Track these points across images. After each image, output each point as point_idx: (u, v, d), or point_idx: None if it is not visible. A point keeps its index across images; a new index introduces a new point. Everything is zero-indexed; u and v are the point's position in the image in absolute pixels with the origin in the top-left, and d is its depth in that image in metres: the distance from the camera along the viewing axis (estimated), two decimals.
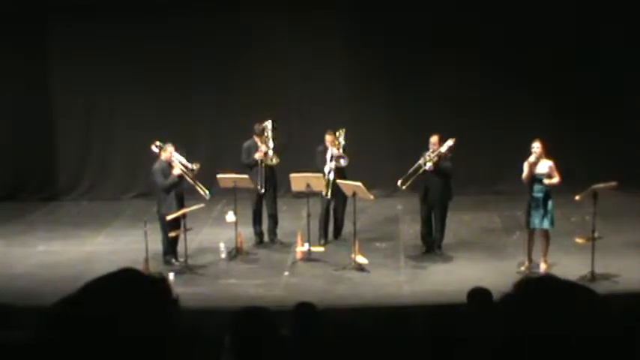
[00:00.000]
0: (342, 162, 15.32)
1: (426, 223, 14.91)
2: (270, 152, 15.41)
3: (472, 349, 5.58)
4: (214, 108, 19.63)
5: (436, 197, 14.64)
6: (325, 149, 15.45)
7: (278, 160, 15.43)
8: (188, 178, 14.66)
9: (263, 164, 15.35)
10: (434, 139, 14.57)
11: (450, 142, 14.50)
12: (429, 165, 14.36)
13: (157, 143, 14.67)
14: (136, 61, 19.51)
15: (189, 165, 14.58)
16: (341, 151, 15.37)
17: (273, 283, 13.83)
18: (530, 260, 13.79)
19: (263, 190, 15.41)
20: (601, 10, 18.67)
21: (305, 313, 7.27)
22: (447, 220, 15.03)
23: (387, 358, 7.27)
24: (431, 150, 14.51)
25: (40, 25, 19.62)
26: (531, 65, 18.81)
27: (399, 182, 14.65)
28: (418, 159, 14.59)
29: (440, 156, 14.43)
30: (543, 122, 17.67)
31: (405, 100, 19.18)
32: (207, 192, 15.02)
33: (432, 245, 14.95)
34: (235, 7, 19.16)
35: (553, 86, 18.88)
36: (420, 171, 14.46)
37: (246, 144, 15.61)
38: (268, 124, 15.61)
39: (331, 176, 15.22)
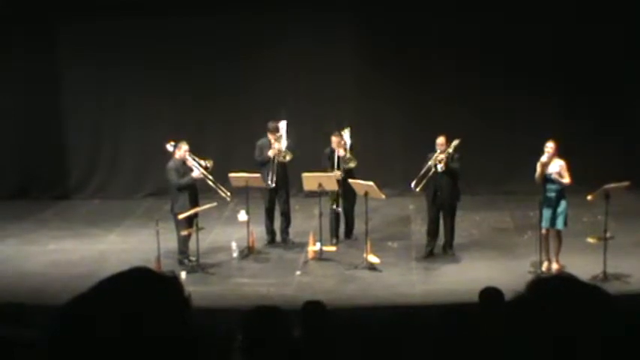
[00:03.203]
0: (352, 165, 15.30)
1: (434, 224, 14.85)
2: (283, 149, 15.41)
3: (484, 349, 5.57)
4: (225, 107, 19.62)
5: (445, 198, 14.59)
6: (332, 151, 15.42)
7: (291, 156, 15.40)
8: (209, 181, 14.68)
9: (275, 161, 15.34)
10: (440, 139, 14.52)
11: (456, 142, 14.47)
12: (440, 166, 14.31)
13: (172, 142, 14.69)
14: (145, 60, 19.53)
15: (203, 163, 14.59)
16: (348, 151, 15.33)
17: (285, 282, 13.84)
18: (548, 260, 13.75)
19: (273, 185, 15.39)
20: (602, 10, 18.59)
21: (312, 311, 7.28)
22: (458, 220, 15.03)
23: (397, 358, 7.27)
24: (439, 151, 14.48)
25: (49, 25, 19.66)
26: (542, 65, 18.78)
27: (413, 185, 14.59)
28: (425, 160, 14.55)
29: (448, 156, 14.38)
30: (555, 122, 17.65)
31: (415, 99, 19.13)
32: (228, 194, 15.00)
33: (435, 247, 14.88)
34: (241, 6, 19.16)
35: (565, 86, 18.83)
36: (431, 172, 14.40)
37: (260, 142, 15.62)
38: (283, 124, 15.62)
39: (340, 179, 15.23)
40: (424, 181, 14.44)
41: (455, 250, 14.97)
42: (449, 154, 14.40)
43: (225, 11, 19.21)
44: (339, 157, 15.31)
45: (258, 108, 17.83)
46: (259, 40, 19.27)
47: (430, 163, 14.40)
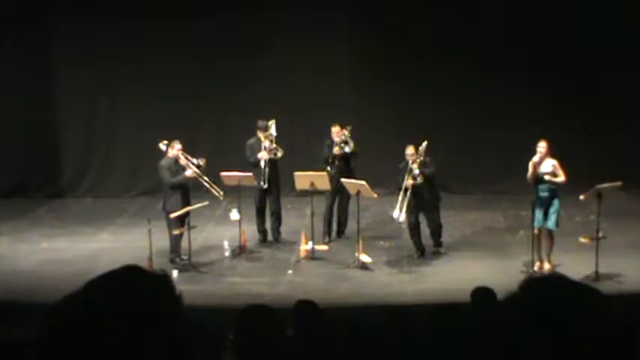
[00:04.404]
0: (347, 149, 15.31)
1: (415, 229, 14.78)
2: (274, 145, 15.37)
3: (477, 348, 5.57)
4: (218, 106, 19.61)
5: (428, 202, 14.53)
6: (332, 142, 15.45)
7: (282, 153, 15.37)
8: (202, 180, 14.66)
9: (267, 162, 15.29)
10: (410, 150, 14.32)
11: (424, 145, 14.37)
12: (419, 179, 14.19)
13: (165, 141, 14.67)
14: (138, 59, 19.50)
15: (195, 161, 14.58)
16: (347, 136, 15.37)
17: (277, 281, 13.83)
18: (540, 260, 13.75)
19: (266, 186, 15.37)
20: (601, 10, 18.63)
21: (305, 310, 7.28)
22: (451, 219, 15.02)
23: (389, 358, 7.26)
24: (410, 161, 14.35)
25: (43, 25, 19.61)
26: (535, 65, 18.80)
27: (403, 218, 14.43)
28: (397, 170, 14.46)
29: (421, 164, 14.26)
30: (548, 122, 17.64)
31: (408, 99, 19.14)
32: (221, 193, 14.99)
33: (425, 250, 14.84)
34: (237, 6, 19.14)
35: (557, 86, 18.86)
36: (410, 190, 14.26)
37: (250, 141, 15.57)
38: (273, 123, 15.55)
39: (335, 162, 15.25)
40: (406, 203, 14.31)
41: (447, 249, 14.97)
42: (421, 161, 14.29)
43: (224, 11, 19.16)
44: (335, 143, 15.33)
45: (251, 108, 17.75)
46: (258, 40, 19.22)
47: (406, 183, 14.19)
